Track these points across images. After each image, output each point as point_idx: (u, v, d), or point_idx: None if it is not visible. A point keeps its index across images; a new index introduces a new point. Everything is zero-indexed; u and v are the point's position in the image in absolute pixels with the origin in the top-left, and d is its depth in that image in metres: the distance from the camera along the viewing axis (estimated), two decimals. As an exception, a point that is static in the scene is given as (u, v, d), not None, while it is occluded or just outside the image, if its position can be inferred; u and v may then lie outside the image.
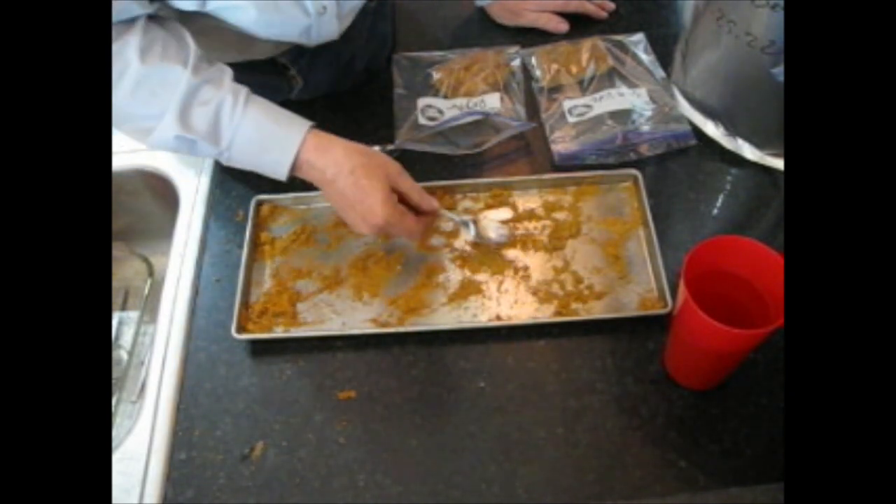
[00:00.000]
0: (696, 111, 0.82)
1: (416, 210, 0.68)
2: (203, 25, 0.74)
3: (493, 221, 0.74)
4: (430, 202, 0.69)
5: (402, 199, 0.67)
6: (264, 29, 0.73)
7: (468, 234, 0.73)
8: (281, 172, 0.67)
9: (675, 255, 0.71)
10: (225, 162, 0.69)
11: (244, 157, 0.68)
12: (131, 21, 0.64)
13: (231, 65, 0.81)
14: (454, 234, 0.75)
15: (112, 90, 0.63)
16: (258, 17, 0.70)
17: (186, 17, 0.73)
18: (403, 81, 0.89)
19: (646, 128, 0.81)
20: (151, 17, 0.66)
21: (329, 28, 0.77)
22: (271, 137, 0.66)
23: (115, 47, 0.63)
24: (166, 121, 0.64)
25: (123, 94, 0.63)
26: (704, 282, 0.55)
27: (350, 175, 0.65)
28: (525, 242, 0.74)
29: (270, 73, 0.84)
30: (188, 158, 0.85)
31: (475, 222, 0.73)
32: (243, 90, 0.67)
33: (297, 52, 0.83)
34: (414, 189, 0.68)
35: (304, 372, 0.68)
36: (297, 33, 0.76)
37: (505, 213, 0.75)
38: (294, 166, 0.66)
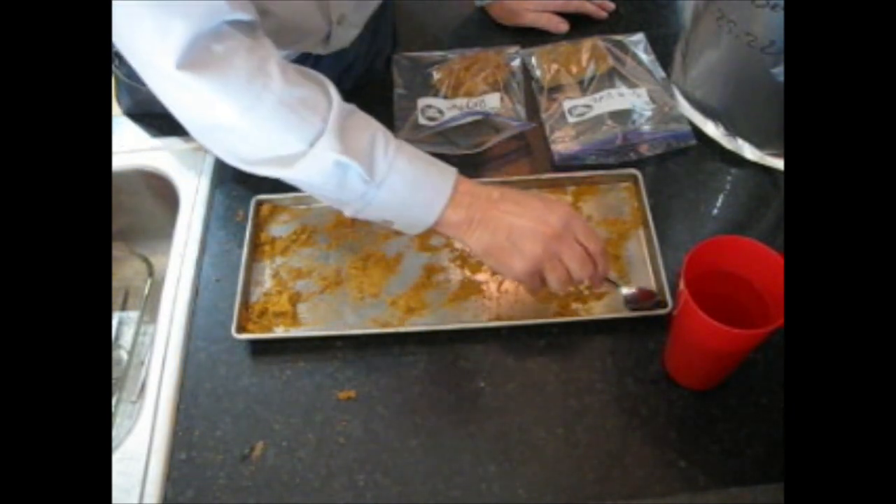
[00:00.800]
0: (696, 111, 0.82)
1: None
2: None
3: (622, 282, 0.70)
4: (605, 265, 0.63)
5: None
6: (285, 38, 0.70)
7: (623, 297, 0.68)
8: (432, 213, 0.60)
9: (675, 255, 0.71)
10: (355, 211, 0.62)
11: (393, 197, 0.60)
12: (255, 33, 0.58)
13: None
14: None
15: (252, 107, 0.56)
16: (280, 27, 0.68)
17: None
18: (403, 81, 0.89)
19: (646, 128, 0.81)
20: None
21: (346, 36, 0.76)
22: (425, 177, 0.60)
23: (254, 61, 0.56)
24: (324, 142, 0.57)
25: (265, 114, 0.56)
26: (704, 282, 0.55)
27: (520, 192, 0.61)
28: None
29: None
30: (189, 158, 0.84)
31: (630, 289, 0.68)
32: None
33: (300, 57, 0.83)
34: (592, 240, 0.62)
35: (304, 372, 0.68)
36: (312, 43, 0.75)
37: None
38: (450, 200, 0.60)
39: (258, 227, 0.77)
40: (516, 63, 0.90)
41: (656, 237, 0.71)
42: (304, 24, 0.71)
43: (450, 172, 0.62)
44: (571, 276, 0.61)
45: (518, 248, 0.60)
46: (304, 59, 0.83)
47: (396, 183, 0.59)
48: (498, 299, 0.70)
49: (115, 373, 0.87)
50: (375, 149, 0.59)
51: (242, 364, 0.69)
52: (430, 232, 0.74)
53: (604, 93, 0.85)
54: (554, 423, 0.63)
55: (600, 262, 0.62)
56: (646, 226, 0.73)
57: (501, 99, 0.85)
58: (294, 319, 0.71)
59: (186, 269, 0.76)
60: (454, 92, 0.87)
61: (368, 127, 0.60)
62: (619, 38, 0.91)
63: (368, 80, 0.91)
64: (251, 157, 0.60)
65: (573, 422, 0.63)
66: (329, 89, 0.60)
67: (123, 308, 0.95)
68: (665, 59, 0.88)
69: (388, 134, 0.61)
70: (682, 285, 0.55)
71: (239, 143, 0.59)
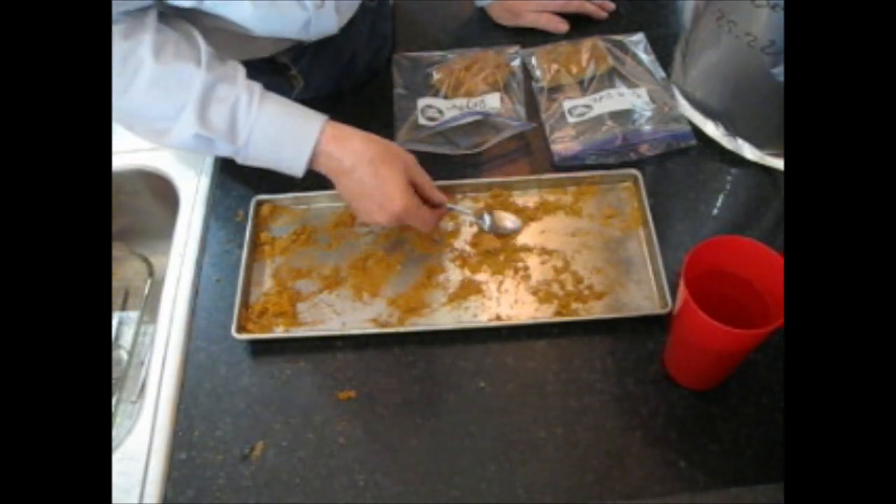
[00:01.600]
0: (696, 111, 0.82)
1: (428, 203, 0.69)
2: (200, 23, 0.74)
3: (505, 213, 0.75)
4: (441, 196, 0.70)
5: (416, 192, 0.68)
6: (262, 24, 0.73)
7: (484, 225, 0.74)
8: (299, 166, 0.67)
9: (675, 255, 0.71)
10: (241, 161, 0.69)
11: (261, 154, 0.67)
12: (143, 19, 0.64)
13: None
14: (455, 233, 0.75)
15: (126, 90, 0.63)
16: (255, 12, 0.70)
17: (183, 16, 0.73)
18: (403, 81, 0.89)
19: (646, 128, 0.81)
20: (161, 16, 0.66)
21: (328, 22, 0.77)
22: (288, 132, 0.66)
23: (127, 46, 0.62)
24: (184, 119, 0.64)
25: (138, 94, 0.63)
26: (704, 282, 0.55)
27: (369, 164, 0.65)
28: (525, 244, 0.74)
29: (271, 72, 0.84)
30: (189, 158, 0.85)
31: (490, 214, 0.74)
32: (257, 86, 0.67)
33: (297, 52, 0.83)
34: (427, 181, 0.69)
35: (304, 372, 0.68)
36: (295, 29, 0.76)
37: (510, 215, 0.76)
38: (312, 159, 0.67)
39: (258, 227, 0.77)
40: (516, 63, 0.90)
41: (656, 237, 0.71)
42: (278, 10, 0.72)
43: (313, 124, 0.66)
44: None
45: (367, 213, 0.68)
46: (301, 56, 0.84)
47: (261, 141, 0.66)
48: (498, 299, 0.70)
49: (115, 373, 0.87)
50: (237, 115, 0.65)
51: (242, 364, 0.69)
52: (430, 232, 0.75)
53: (604, 93, 0.85)
54: (554, 423, 0.63)
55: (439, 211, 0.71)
56: (646, 226, 0.73)
57: (501, 99, 0.85)
58: (294, 319, 0.71)
59: (186, 269, 0.76)
60: (454, 92, 0.87)
61: (231, 93, 0.65)
62: (619, 38, 0.91)
63: (368, 79, 0.91)
64: (135, 129, 0.68)
65: (573, 422, 0.63)
66: (199, 65, 0.64)
67: (123, 308, 0.95)
68: (665, 59, 0.88)
69: (253, 95, 0.66)
70: (682, 285, 0.55)
71: (124, 118, 0.67)
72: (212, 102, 0.64)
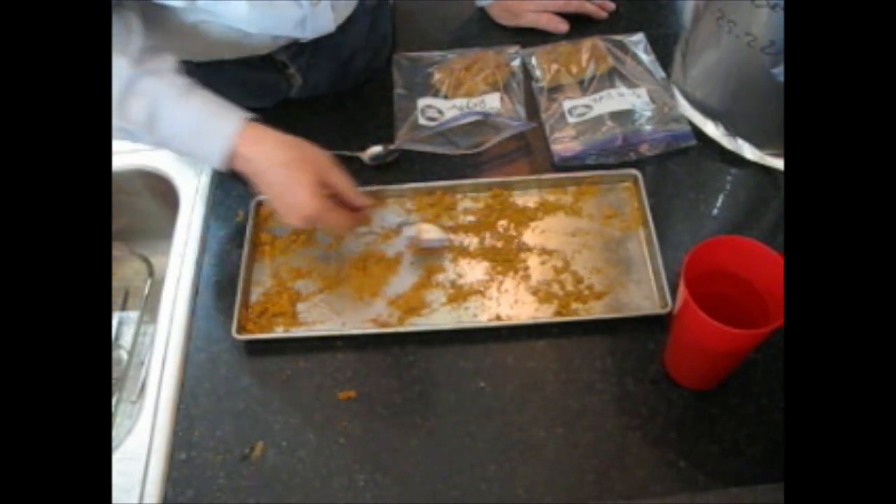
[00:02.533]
0: (696, 111, 0.82)
1: (349, 205, 0.69)
2: (197, 21, 0.74)
3: (433, 226, 0.74)
4: (362, 199, 0.69)
5: (337, 194, 0.68)
6: (257, 22, 0.73)
7: (409, 234, 0.73)
8: (216, 163, 0.66)
9: (675, 255, 0.71)
10: (170, 151, 0.70)
11: (182, 149, 0.68)
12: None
13: (229, 62, 0.82)
14: (456, 231, 0.75)
15: None
16: (250, 10, 0.70)
17: (179, 13, 0.73)
18: (403, 81, 0.89)
19: (646, 128, 0.81)
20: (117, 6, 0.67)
21: (324, 20, 0.77)
22: (205, 131, 0.66)
23: None
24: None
25: None
26: (704, 282, 0.55)
27: (281, 167, 0.65)
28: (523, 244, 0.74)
29: (269, 71, 0.84)
30: (189, 158, 0.85)
31: (414, 225, 0.73)
32: (183, 82, 0.66)
33: (296, 51, 0.83)
34: (345, 184, 0.68)
35: (304, 372, 0.68)
36: (291, 26, 0.76)
37: (437, 229, 0.74)
38: (229, 159, 0.66)
39: (258, 227, 0.77)
40: (516, 63, 0.90)
41: (656, 237, 0.71)
42: (273, 8, 0.73)
43: (232, 123, 0.65)
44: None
45: (282, 215, 0.68)
46: (299, 54, 0.84)
47: (182, 136, 0.66)
48: (498, 299, 0.70)
49: (115, 373, 0.87)
50: (158, 109, 0.65)
51: (242, 364, 0.69)
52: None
53: (604, 93, 0.85)
54: (554, 423, 0.63)
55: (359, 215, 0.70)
56: (646, 226, 0.73)
57: (501, 99, 0.85)
58: (294, 319, 0.71)
59: (186, 269, 0.76)
60: (454, 92, 0.87)
61: (154, 87, 0.65)
62: (619, 38, 0.91)
63: (368, 79, 0.91)
64: None
65: (573, 422, 0.63)
66: (125, 58, 0.64)
67: (123, 308, 0.95)
68: (665, 59, 0.88)
69: (175, 90, 0.65)
70: (682, 285, 0.55)
71: None
72: (133, 96, 0.64)
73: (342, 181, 0.68)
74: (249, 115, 0.67)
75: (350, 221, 0.68)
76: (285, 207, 0.66)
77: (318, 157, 0.67)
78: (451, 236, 0.75)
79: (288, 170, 0.65)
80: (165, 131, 0.66)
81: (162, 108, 0.65)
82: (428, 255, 0.74)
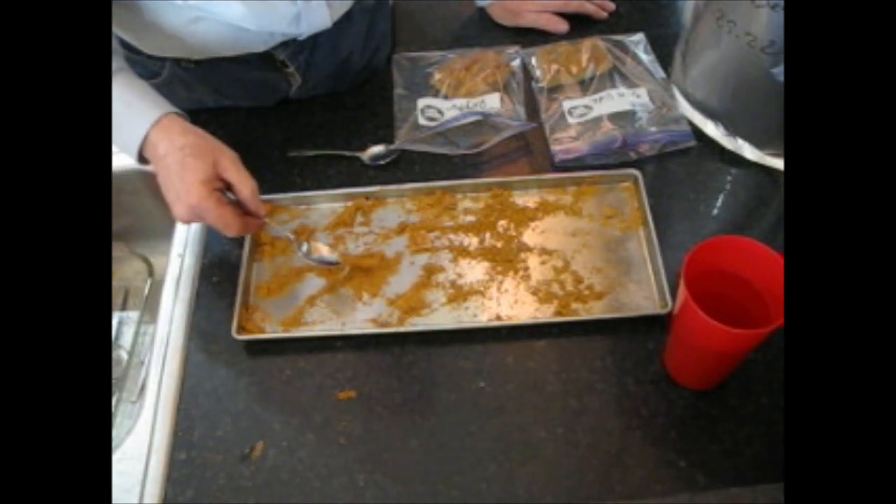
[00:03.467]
0: (696, 111, 0.82)
1: (246, 209, 0.67)
2: (193, 18, 0.74)
3: (324, 245, 0.73)
4: (258, 207, 0.67)
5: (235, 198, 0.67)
6: (252, 19, 0.73)
7: (299, 252, 0.72)
8: (132, 153, 0.65)
9: (675, 255, 0.71)
10: None
11: None
12: None
13: (228, 60, 0.82)
14: (456, 231, 0.75)
15: None
16: (244, 7, 0.70)
17: (175, 10, 0.73)
18: (403, 81, 0.89)
19: (646, 129, 0.81)
20: None
21: (319, 16, 0.77)
22: (124, 116, 0.64)
23: None
24: None
25: None
26: (704, 282, 0.55)
27: (178, 151, 0.63)
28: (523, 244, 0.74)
29: (269, 70, 0.85)
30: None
31: (307, 242, 0.73)
32: (111, 66, 0.65)
33: (295, 49, 0.83)
34: (245, 184, 0.66)
35: (304, 372, 0.68)
36: (286, 23, 0.76)
37: (330, 250, 0.73)
38: (143, 148, 0.65)
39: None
40: (516, 63, 0.90)
41: (656, 237, 0.71)
42: (267, 4, 0.73)
43: (151, 113, 0.64)
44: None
45: (171, 205, 0.65)
46: (299, 53, 0.84)
47: None
48: (498, 299, 0.70)
49: (115, 373, 0.87)
50: None
51: (242, 364, 0.69)
52: (430, 232, 0.75)
53: (604, 93, 0.85)
54: (554, 423, 0.63)
55: (245, 224, 0.67)
56: (646, 226, 0.73)
57: (501, 99, 0.85)
58: (294, 319, 0.71)
59: (186, 269, 0.76)
60: (454, 92, 0.87)
61: None
62: (619, 38, 0.91)
63: (368, 79, 0.91)
64: None
65: (573, 422, 0.63)
66: None
67: (123, 308, 0.95)
68: (665, 59, 0.88)
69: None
70: (682, 285, 0.55)
71: None
72: None
73: (242, 180, 0.65)
74: (171, 108, 0.66)
75: (238, 224, 0.65)
76: (173, 194, 0.64)
77: (221, 149, 0.65)
78: (451, 236, 0.75)
79: (184, 154, 0.63)
80: None
81: None
82: (428, 256, 0.74)
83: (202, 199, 0.63)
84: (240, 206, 0.67)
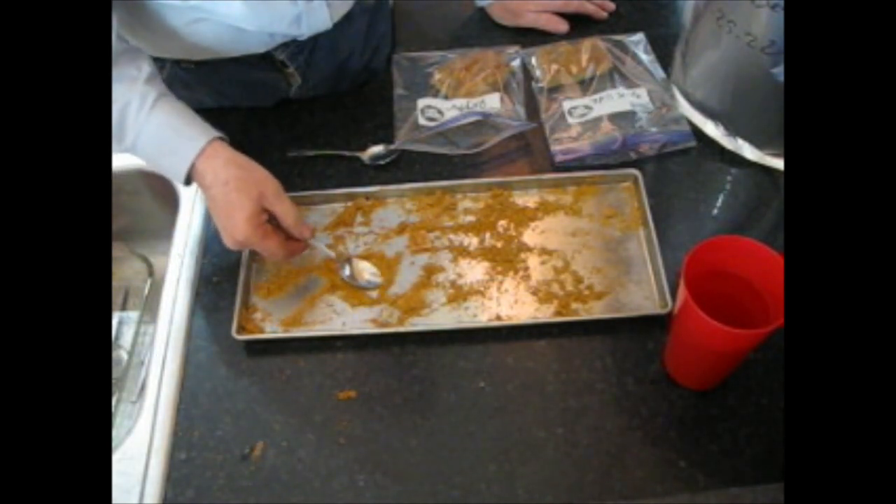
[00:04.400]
0: (696, 111, 0.82)
1: (290, 235, 0.68)
2: (193, 19, 0.74)
3: (367, 264, 0.73)
4: (302, 231, 0.68)
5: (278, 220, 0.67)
6: (253, 20, 0.73)
7: (343, 273, 0.72)
8: (178, 178, 0.66)
9: (675, 255, 0.71)
10: (139, 158, 0.69)
11: (148, 159, 0.68)
12: None
13: (229, 61, 0.82)
14: (456, 231, 0.75)
15: None
16: (245, 8, 0.70)
17: (176, 12, 0.73)
18: (403, 81, 0.89)
19: (646, 129, 0.81)
20: None
21: (320, 17, 0.77)
22: (170, 144, 0.65)
23: None
24: None
25: None
26: (704, 282, 0.55)
27: (224, 186, 0.64)
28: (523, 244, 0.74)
29: (269, 70, 0.85)
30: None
31: (349, 263, 0.73)
32: (154, 92, 0.65)
33: (295, 49, 0.83)
34: (288, 214, 0.67)
35: (304, 372, 0.68)
36: (286, 24, 0.76)
37: (373, 268, 0.73)
38: (191, 174, 0.66)
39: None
40: (516, 63, 0.90)
41: (656, 237, 0.71)
42: (268, 6, 0.73)
43: (197, 140, 0.65)
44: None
45: (220, 233, 0.67)
46: (298, 53, 0.84)
47: (146, 147, 0.66)
48: (498, 299, 0.70)
49: (115, 373, 0.87)
50: (126, 117, 0.64)
51: (242, 364, 0.69)
52: (430, 232, 0.75)
53: (604, 93, 0.85)
54: (554, 423, 0.63)
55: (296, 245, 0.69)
56: (646, 226, 0.73)
57: (501, 99, 0.85)
58: (294, 319, 0.71)
59: (186, 269, 0.76)
60: (454, 92, 0.87)
61: (124, 95, 0.64)
62: (619, 38, 0.91)
63: (368, 79, 0.91)
64: None
65: (573, 422, 0.63)
66: None
67: (123, 308, 0.95)
68: (665, 59, 0.88)
69: (146, 100, 0.65)
70: (682, 285, 0.55)
71: None
72: None
73: (285, 211, 0.66)
74: (215, 133, 0.66)
75: (285, 252, 0.67)
76: (221, 228, 0.66)
77: (264, 182, 0.66)
78: (451, 236, 0.75)
79: (228, 189, 0.64)
80: (131, 140, 0.65)
81: (130, 116, 0.64)
82: (428, 256, 0.74)
83: (249, 236, 0.65)
84: (285, 231, 0.68)
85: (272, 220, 0.67)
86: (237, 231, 0.64)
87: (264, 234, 0.65)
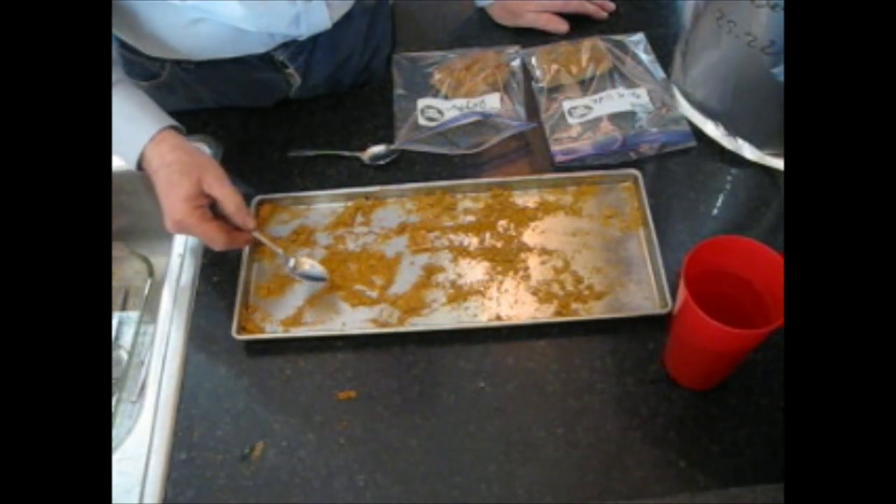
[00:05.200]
0: (696, 111, 0.82)
1: (234, 224, 0.68)
2: (193, 20, 0.74)
3: (310, 259, 0.73)
4: (245, 220, 0.68)
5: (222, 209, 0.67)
6: (252, 20, 0.74)
7: (286, 266, 0.72)
8: (130, 164, 0.67)
9: (675, 255, 0.71)
10: None
11: None
12: None
13: (228, 61, 0.82)
14: (456, 231, 0.75)
15: None
16: (244, 8, 0.70)
17: (175, 12, 0.73)
18: (403, 82, 0.89)
19: (646, 129, 0.81)
20: None
21: (319, 17, 0.77)
22: (123, 129, 0.66)
23: None
24: None
25: None
26: (704, 282, 0.55)
27: (167, 168, 0.65)
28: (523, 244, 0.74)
29: (268, 70, 0.85)
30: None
31: (294, 256, 0.72)
32: (112, 77, 0.65)
33: (294, 50, 0.83)
34: (230, 200, 0.67)
35: (304, 372, 0.68)
36: (285, 24, 0.76)
37: (316, 265, 0.73)
38: (140, 161, 0.66)
39: (258, 228, 0.77)
40: (516, 63, 0.90)
41: (656, 237, 0.71)
42: (267, 6, 0.73)
43: (147, 129, 0.66)
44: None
45: (163, 215, 0.67)
46: (298, 53, 0.84)
47: None
48: (498, 299, 0.70)
49: (115, 373, 0.87)
50: None
51: (242, 364, 0.69)
52: (430, 232, 0.75)
53: (604, 93, 0.85)
54: (554, 423, 0.63)
55: (232, 238, 0.68)
56: (646, 226, 0.73)
57: (501, 99, 0.85)
58: (294, 319, 0.71)
59: (186, 269, 0.76)
60: (454, 92, 0.87)
61: None
62: (619, 38, 0.91)
63: (368, 79, 0.91)
64: None
65: (573, 422, 0.63)
66: None
67: (123, 308, 0.95)
68: (665, 59, 0.88)
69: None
70: (681, 285, 0.55)
71: None
72: None
73: (226, 195, 0.66)
74: (169, 121, 0.67)
75: (226, 239, 0.67)
76: (164, 211, 0.66)
77: (206, 165, 0.66)
78: (451, 236, 0.75)
79: (170, 171, 0.65)
80: None
81: None
82: (428, 256, 0.74)
83: (185, 216, 0.65)
84: (230, 221, 0.68)
85: (216, 209, 0.67)
86: (175, 210, 0.64)
87: (202, 217, 0.65)
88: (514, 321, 0.69)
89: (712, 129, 0.81)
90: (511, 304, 0.70)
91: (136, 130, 0.66)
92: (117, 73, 0.67)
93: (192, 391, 0.67)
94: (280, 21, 0.76)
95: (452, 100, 0.86)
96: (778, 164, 0.78)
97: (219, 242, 0.67)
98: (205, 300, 0.74)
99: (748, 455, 0.60)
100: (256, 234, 0.71)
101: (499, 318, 0.69)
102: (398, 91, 0.88)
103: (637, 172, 0.76)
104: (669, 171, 0.80)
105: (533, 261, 0.73)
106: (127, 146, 0.66)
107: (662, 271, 0.69)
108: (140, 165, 0.67)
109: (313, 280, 0.72)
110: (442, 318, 0.70)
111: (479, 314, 0.70)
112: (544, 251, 0.73)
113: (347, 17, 0.83)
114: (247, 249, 0.73)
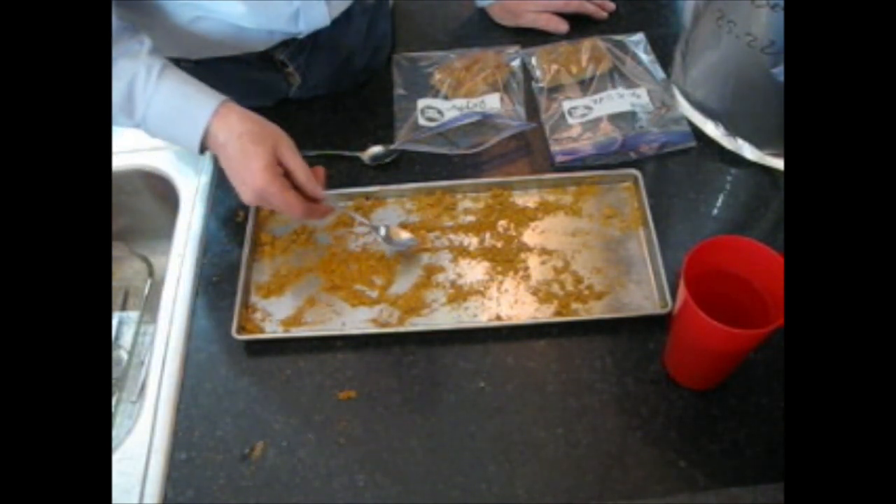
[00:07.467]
0: (696, 111, 0.82)
1: (305, 195, 0.68)
2: (192, 17, 0.75)
3: (401, 228, 0.74)
4: (316, 191, 0.68)
5: (293, 180, 0.67)
6: (251, 17, 0.74)
7: (378, 236, 0.73)
8: (193, 146, 0.67)
9: (675, 255, 0.71)
10: (148, 134, 0.69)
11: (159, 130, 0.68)
12: None
13: (228, 60, 0.82)
14: (456, 231, 0.75)
15: None
16: (243, 5, 0.70)
17: (174, 10, 0.73)
18: (403, 82, 0.89)
19: (646, 130, 0.81)
20: None
21: (318, 13, 0.78)
22: (182, 110, 0.66)
23: None
24: None
25: None
26: (704, 282, 0.55)
27: (238, 139, 0.65)
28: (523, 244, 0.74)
29: (268, 70, 0.85)
30: (189, 158, 0.85)
31: (386, 226, 0.73)
32: (158, 63, 0.66)
33: (294, 49, 0.83)
34: (300, 169, 0.67)
35: (304, 372, 0.68)
36: (284, 20, 0.76)
37: (405, 233, 0.74)
38: (205, 140, 0.66)
39: (258, 227, 0.77)
40: (516, 63, 0.90)
41: (656, 237, 0.71)
42: (266, 3, 0.73)
43: (208, 104, 0.66)
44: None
45: (238, 190, 0.67)
46: (298, 53, 0.84)
47: (156, 118, 0.67)
48: (498, 299, 0.70)
49: (115, 373, 0.87)
50: (134, 91, 0.65)
51: (242, 364, 0.69)
52: (430, 232, 0.75)
53: (604, 94, 0.85)
54: (554, 423, 0.63)
55: (311, 209, 0.68)
56: (646, 226, 0.73)
57: (501, 99, 0.85)
58: (294, 319, 0.71)
59: (186, 269, 0.76)
60: (454, 92, 0.87)
61: (130, 69, 0.65)
62: (619, 38, 0.91)
63: (368, 80, 0.91)
64: None
65: (573, 422, 0.63)
66: None
67: (123, 308, 0.95)
68: (665, 59, 0.88)
69: (152, 71, 0.65)
70: (681, 285, 0.55)
71: None
72: (111, 80, 0.64)
73: (298, 164, 0.67)
74: (224, 97, 0.67)
75: (303, 208, 0.66)
76: (239, 181, 0.66)
77: (278, 135, 0.66)
78: (451, 236, 0.75)
79: (243, 141, 0.64)
80: (142, 112, 0.66)
81: (138, 90, 0.65)
82: (428, 256, 0.74)
83: (268, 184, 0.64)
84: (301, 192, 0.68)
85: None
86: (256, 179, 0.64)
87: (283, 185, 0.65)
88: (514, 321, 0.69)
89: (712, 129, 0.81)
90: (511, 304, 0.70)
91: (195, 108, 0.66)
92: (162, 59, 0.67)
93: (192, 391, 0.67)
94: (279, 18, 0.76)
95: (452, 100, 0.86)
96: (778, 164, 0.78)
97: (298, 210, 0.66)
98: (205, 300, 0.74)
99: (748, 455, 0.60)
100: (332, 204, 0.71)
101: (499, 318, 0.69)
102: (398, 91, 0.88)
103: (637, 172, 0.76)
104: (669, 171, 0.80)
105: (533, 261, 0.73)
106: (188, 127, 0.66)
107: (662, 271, 0.69)
108: (203, 148, 0.67)
109: (406, 247, 0.73)
110: (442, 318, 0.70)
111: (479, 314, 0.70)
112: (544, 251, 0.73)
113: (347, 16, 0.84)
114: (246, 250, 0.73)
